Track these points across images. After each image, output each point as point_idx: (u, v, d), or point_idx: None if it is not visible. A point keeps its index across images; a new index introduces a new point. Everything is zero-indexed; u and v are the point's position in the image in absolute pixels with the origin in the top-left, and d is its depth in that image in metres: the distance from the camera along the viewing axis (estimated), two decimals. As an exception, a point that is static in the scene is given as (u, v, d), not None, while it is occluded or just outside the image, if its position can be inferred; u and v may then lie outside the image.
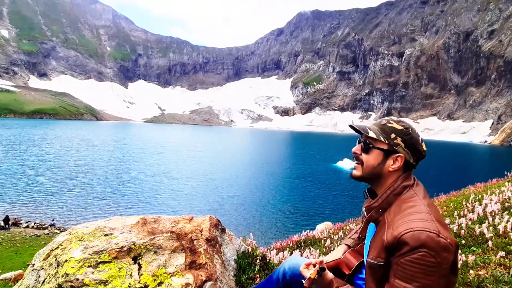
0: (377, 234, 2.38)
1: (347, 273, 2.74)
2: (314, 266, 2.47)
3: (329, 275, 2.51)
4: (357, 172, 2.59)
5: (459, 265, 4.28)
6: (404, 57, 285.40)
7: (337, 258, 2.91)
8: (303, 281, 2.43)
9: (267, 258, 5.47)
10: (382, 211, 2.43)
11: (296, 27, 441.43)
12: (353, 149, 2.64)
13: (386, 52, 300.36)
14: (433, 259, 1.99)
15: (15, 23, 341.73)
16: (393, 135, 2.44)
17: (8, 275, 12.13)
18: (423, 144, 2.48)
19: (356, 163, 2.61)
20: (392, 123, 2.48)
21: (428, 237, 2.02)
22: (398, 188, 2.40)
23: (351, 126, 2.67)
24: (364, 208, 2.63)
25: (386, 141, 2.44)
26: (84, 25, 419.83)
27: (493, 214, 6.13)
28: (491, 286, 3.85)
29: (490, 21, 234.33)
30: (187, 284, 3.44)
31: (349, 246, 3.05)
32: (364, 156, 2.55)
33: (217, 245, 4.50)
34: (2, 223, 25.80)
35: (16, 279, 9.69)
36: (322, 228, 13.85)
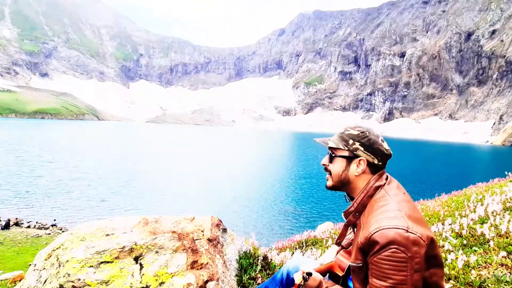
0: (355, 237, 2.45)
1: (340, 274, 2.75)
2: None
3: (318, 277, 2.55)
4: (329, 183, 2.71)
5: (460, 265, 4.33)
6: (405, 57, 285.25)
7: (329, 262, 2.93)
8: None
9: (269, 258, 5.48)
10: (359, 214, 2.49)
11: (297, 27, 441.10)
12: (322, 161, 2.74)
13: (387, 52, 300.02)
14: (404, 254, 2.02)
15: (16, 23, 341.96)
16: (351, 141, 2.53)
17: (8, 275, 12.10)
18: (384, 143, 2.53)
19: (328, 174, 2.71)
20: (349, 130, 2.58)
21: (396, 233, 2.05)
22: (371, 189, 2.46)
23: (315, 140, 2.82)
24: (343, 213, 2.66)
25: (346, 148, 2.54)
26: (85, 25, 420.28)
27: (494, 214, 6.12)
28: (493, 286, 3.87)
29: (492, 21, 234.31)
30: (189, 284, 3.45)
31: (342, 247, 3.04)
32: (330, 166, 2.66)
33: (218, 245, 4.49)
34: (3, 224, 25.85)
35: (15, 280, 9.67)
36: (324, 228, 13.85)
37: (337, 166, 2.61)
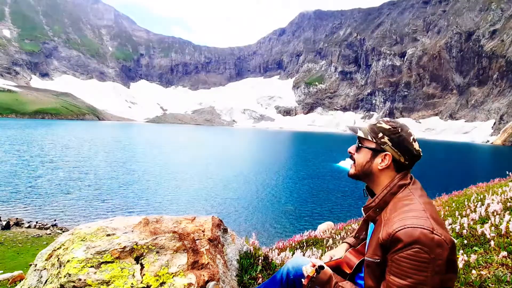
0: (374, 232, 2.41)
1: (348, 272, 2.75)
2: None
3: (328, 271, 2.54)
4: (351, 170, 2.70)
5: (461, 265, 4.29)
6: (406, 57, 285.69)
7: (338, 258, 2.93)
8: (302, 280, 2.49)
9: (269, 258, 5.48)
10: (380, 210, 2.45)
11: (298, 27, 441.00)
12: (349, 149, 2.74)
13: (388, 52, 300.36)
14: (427, 255, 2.00)
15: (17, 23, 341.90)
16: (380, 134, 2.50)
17: (6, 275, 12.04)
18: (415, 144, 2.47)
19: (352, 162, 2.70)
20: (381, 123, 2.55)
21: (421, 233, 2.02)
22: (395, 187, 2.42)
23: (347, 127, 2.79)
24: (362, 208, 2.63)
25: (374, 140, 2.52)
26: (86, 25, 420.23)
27: (495, 214, 6.11)
28: (493, 286, 3.84)
29: (492, 21, 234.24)
30: (190, 284, 3.44)
31: (350, 245, 3.08)
32: (356, 155, 2.66)
33: (219, 245, 4.50)
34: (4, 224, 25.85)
35: (14, 280, 9.58)
36: (324, 228, 13.86)
37: (362, 157, 2.60)
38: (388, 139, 2.47)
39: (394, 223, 2.16)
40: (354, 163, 2.67)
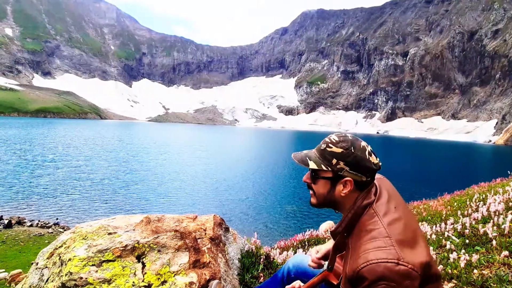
0: (344, 261, 2.31)
1: (335, 283, 2.65)
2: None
3: None
4: (313, 200, 2.51)
5: (462, 265, 4.35)
6: (408, 56, 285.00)
7: (323, 271, 2.80)
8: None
9: (271, 257, 5.51)
10: (348, 234, 2.35)
11: (300, 26, 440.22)
12: (304, 178, 2.54)
13: (390, 51, 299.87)
14: None
15: (19, 22, 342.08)
16: (334, 161, 2.31)
17: (3, 275, 11.96)
18: (372, 157, 2.30)
19: (311, 191, 2.50)
20: (331, 147, 2.34)
21: (385, 268, 1.93)
22: (359, 209, 2.29)
23: (293, 157, 2.56)
24: (330, 233, 2.49)
25: (329, 169, 2.33)
26: (88, 23, 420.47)
27: (497, 213, 6.12)
28: (495, 285, 3.86)
29: (495, 21, 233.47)
30: (191, 283, 3.44)
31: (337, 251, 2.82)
32: (314, 186, 2.46)
33: (221, 244, 4.51)
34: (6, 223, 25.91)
35: (13, 279, 9.42)
36: (326, 227, 13.84)
37: (321, 188, 2.40)
38: (344, 164, 2.28)
39: (358, 258, 2.06)
40: (314, 193, 2.47)
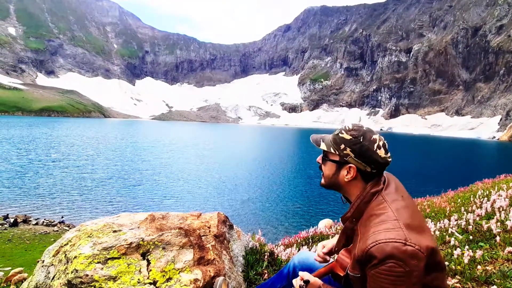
0: (353, 245, 2.39)
1: (341, 274, 2.67)
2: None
3: (316, 284, 2.55)
4: (322, 181, 2.63)
5: (466, 261, 4.34)
6: (412, 53, 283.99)
7: (330, 262, 2.87)
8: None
9: (275, 254, 5.53)
10: (356, 220, 2.41)
11: (303, 23, 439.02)
12: (317, 159, 2.67)
13: (394, 48, 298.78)
14: (402, 268, 1.98)
15: (22, 21, 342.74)
16: (342, 146, 2.42)
17: (0, 274, 11.75)
18: (380, 151, 2.36)
19: (322, 172, 2.63)
20: (343, 133, 2.45)
21: (393, 247, 2.00)
22: (367, 195, 2.36)
23: (311, 138, 2.71)
24: (340, 218, 2.56)
25: (337, 152, 2.44)
26: (91, 22, 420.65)
27: (501, 209, 6.11)
28: (499, 281, 3.85)
29: (499, 16, 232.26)
30: (196, 280, 3.44)
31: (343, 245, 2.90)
32: (323, 167, 2.60)
33: (225, 241, 4.53)
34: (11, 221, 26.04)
35: (8, 280, 8.98)
36: (324, 224, 13.84)
37: (328, 169, 2.54)
38: (350, 150, 2.39)
39: (367, 239, 2.13)
40: (323, 174, 2.60)
